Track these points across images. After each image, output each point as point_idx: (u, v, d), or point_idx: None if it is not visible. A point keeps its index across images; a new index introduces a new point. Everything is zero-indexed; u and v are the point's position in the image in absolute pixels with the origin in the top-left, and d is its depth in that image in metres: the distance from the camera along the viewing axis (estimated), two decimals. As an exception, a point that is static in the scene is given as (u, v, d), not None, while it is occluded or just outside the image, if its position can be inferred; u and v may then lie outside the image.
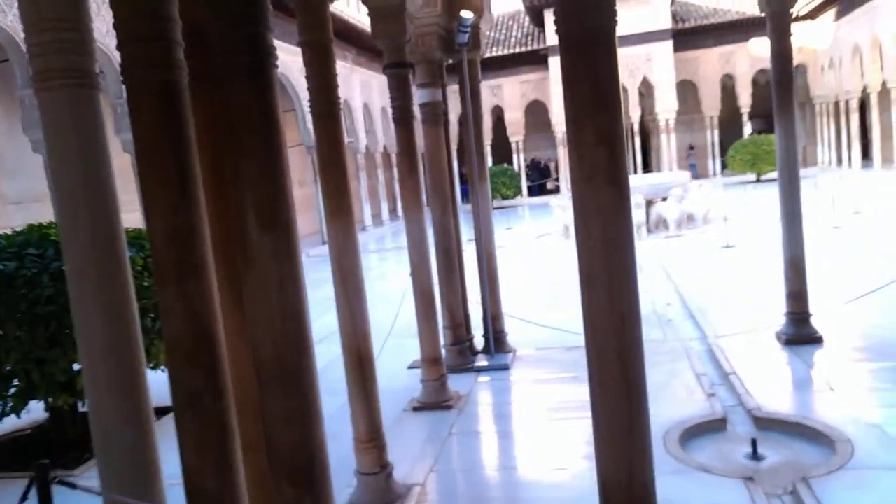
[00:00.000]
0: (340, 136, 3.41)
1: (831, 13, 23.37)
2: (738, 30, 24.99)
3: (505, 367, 5.79)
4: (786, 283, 5.52)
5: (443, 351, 5.55)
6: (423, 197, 5.07)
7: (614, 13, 1.88)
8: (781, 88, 5.21)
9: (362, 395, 3.67)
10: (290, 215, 1.99)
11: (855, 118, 22.57)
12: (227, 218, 2.06)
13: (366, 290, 3.65)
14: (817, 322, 5.58)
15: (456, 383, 5.40)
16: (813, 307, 5.55)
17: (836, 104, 24.02)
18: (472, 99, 5.78)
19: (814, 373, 4.85)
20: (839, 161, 24.23)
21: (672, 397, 4.69)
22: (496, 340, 6.00)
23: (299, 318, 1.92)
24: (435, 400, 5.02)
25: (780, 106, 5.23)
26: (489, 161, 27.52)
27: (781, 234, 5.50)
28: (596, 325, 1.96)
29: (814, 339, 5.38)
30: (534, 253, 13.34)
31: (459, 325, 5.79)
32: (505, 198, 25.79)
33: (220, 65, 1.89)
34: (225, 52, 1.88)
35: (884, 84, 20.03)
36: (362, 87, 21.37)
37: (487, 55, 26.77)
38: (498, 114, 27.90)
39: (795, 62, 25.53)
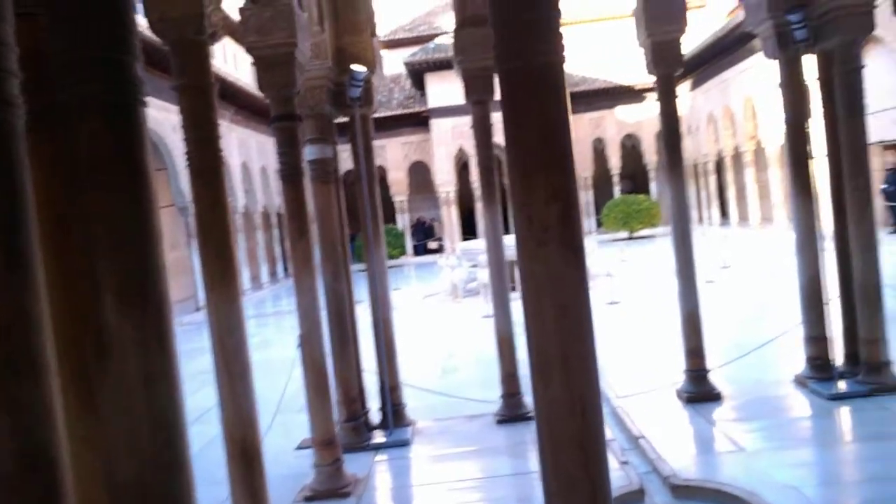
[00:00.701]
0: (223, 192, 2.97)
1: (688, 84, 25.51)
2: (605, 97, 26.69)
3: (405, 443, 5.34)
4: (684, 339, 5.52)
5: (336, 428, 5.04)
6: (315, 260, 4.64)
7: (562, 47, 1.64)
8: (670, 146, 5.31)
9: (248, 493, 3.13)
10: (162, 291, 1.54)
11: (712, 180, 24.48)
12: (75, 295, 1.58)
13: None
14: (713, 378, 5.61)
15: (352, 464, 4.89)
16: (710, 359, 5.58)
17: (695, 167, 25.98)
18: (365, 157, 5.47)
19: (720, 432, 4.79)
20: (700, 220, 26.05)
21: (585, 467, 4.44)
22: (395, 413, 5.56)
23: (173, 428, 1.46)
24: (330, 487, 4.48)
25: (670, 162, 5.32)
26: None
27: (677, 290, 5.53)
28: (551, 415, 1.65)
29: (713, 396, 5.38)
30: (423, 314, 13.04)
31: (354, 399, 5.31)
32: (390, 258, 25.50)
33: (67, 99, 1.46)
34: (74, 82, 1.45)
35: (736, 149, 21.90)
36: (240, 146, 20.62)
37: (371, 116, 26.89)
38: (381, 174, 27.86)
39: (655, 129, 27.69)
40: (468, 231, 27.10)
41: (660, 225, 25.62)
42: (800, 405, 5.13)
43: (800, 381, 5.49)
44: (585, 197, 27.42)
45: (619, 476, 4.18)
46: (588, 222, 27.60)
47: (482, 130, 5.49)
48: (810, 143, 5.33)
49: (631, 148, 27.71)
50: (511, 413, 5.52)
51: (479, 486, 4.46)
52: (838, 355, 5.44)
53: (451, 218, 26.31)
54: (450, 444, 5.31)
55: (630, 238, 24.28)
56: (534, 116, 1.63)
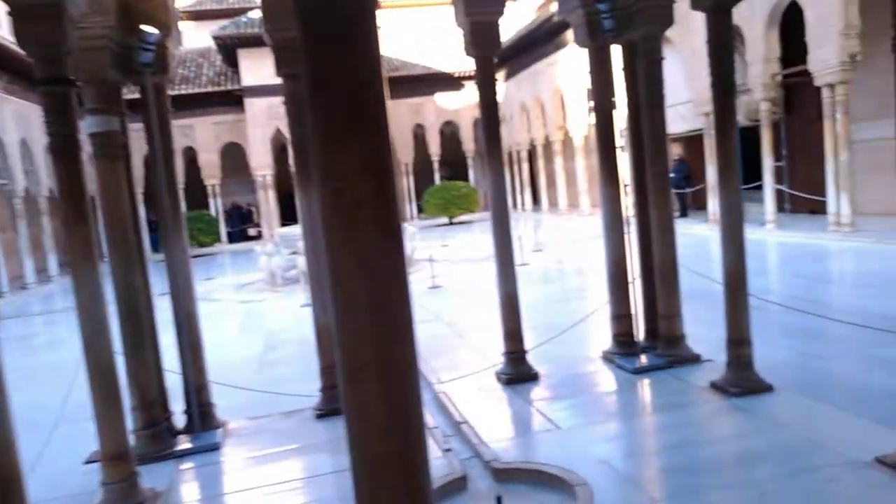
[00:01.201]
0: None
1: (502, 74, 26.53)
2: (424, 84, 26.98)
3: (214, 447, 4.85)
4: (502, 322, 5.58)
5: (132, 438, 4.45)
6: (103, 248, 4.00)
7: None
8: (489, 130, 5.31)
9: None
10: None
11: (525, 167, 25.76)
12: None
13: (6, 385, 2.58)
14: (530, 359, 5.74)
15: (151, 477, 4.33)
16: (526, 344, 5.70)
17: (509, 154, 27.18)
18: (161, 131, 4.85)
19: (537, 411, 4.88)
20: (514, 205, 27.35)
21: (408, 458, 4.30)
22: (201, 415, 5.04)
23: None
24: (122, 507, 3.92)
25: (489, 146, 5.32)
26: (183, 206, 25.31)
27: (496, 273, 5.56)
28: (366, 427, 1.41)
29: (531, 377, 5.50)
30: (239, 304, 12.27)
31: (152, 403, 4.72)
32: (203, 245, 23.92)
33: None
34: None
35: (546, 138, 23.20)
36: (18, 120, 18.06)
37: (176, 92, 24.85)
38: (191, 155, 25.96)
39: (475, 116, 28.54)
40: (288, 217, 26.12)
41: (477, 210, 26.54)
42: (607, 380, 5.40)
43: (607, 357, 5.79)
44: (406, 183, 27.63)
45: (441, 464, 4.08)
46: (409, 208, 27.85)
47: (295, 106, 5.10)
48: (617, 132, 5.61)
49: (450, 135, 28.33)
50: (331, 406, 5.23)
51: (298, 488, 4.15)
52: (641, 331, 5.81)
53: (269, 203, 25.18)
54: (265, 444, 4.92)
55: (450, 223, 24.87)
56: (342, 73, 1.37)
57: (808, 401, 4.45)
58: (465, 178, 27.45)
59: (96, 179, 4.53)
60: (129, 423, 4.59)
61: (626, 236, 5.69)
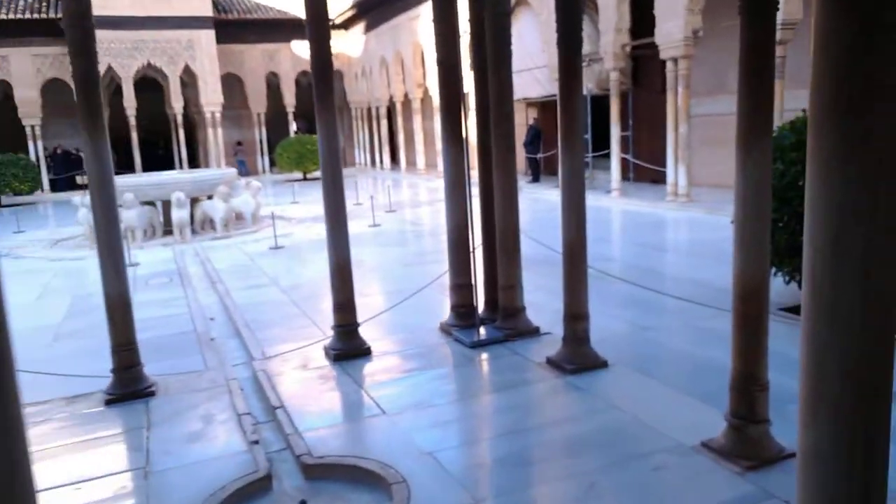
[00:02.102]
0: None
1: (362, 26, 25.44)
2: (280, 29, 25.33)
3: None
4: (333, 292, 5.06)
5: None
6: None
7: None
8: (320, 81, 4.67)
9: None
10: None
11: (384, 124, 25.08)
12: None
13: None
14: (366, 331, 5.29)
15: None
16: (359, 315, 5.22)
17: (369, 110, 26.35)
18: None
19: (365, 393, 4.45)
20: (373, 163, 26.68)
21: (206, 453, 3.71)
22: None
23: None
24: None
25: (320, 98, 4.69)
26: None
27: (326, 238, 5.01)
28: None
29: (363, 352, 5.05)
30: (48, 263, 10.80)
31: None
32: (18, 193, 21.20)
33: None
34: None
35: (406, 95, 22.60)
36: None
37: (-16, 16, 21.53)
38: (6, 91, 22.76)
39: (334, 68, 27.31)
40: (126, 165, 23.74)
41: (334, 167, 25.58)
42: (443, 356, 5.07)
43: (445, 330, 5.46)
44: (258, 134, 26.05)
45: (245, 461, 3.54)
46: (261, 161, 26.34)
47: (80, 30, 4.18)
48: (462, 88, 5.18)
49: (307, 86, 26.92)
50: (126, 390, 4.49)
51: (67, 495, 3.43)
52: (481, 303, 5.52)
53: (99, 149, 22.65)
54: (39, 437, 4.10)
55: (304, 179, 23.75)
56: None
57: (640, 377, 4.35)
58: (322, 133, 26.30)
59: None
60: None
61: (470, 200, 5.33)
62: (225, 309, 7.11)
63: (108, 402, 4.44)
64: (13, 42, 22.18)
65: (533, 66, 15.67)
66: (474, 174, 5.12)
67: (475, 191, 5.34)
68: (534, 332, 5.23)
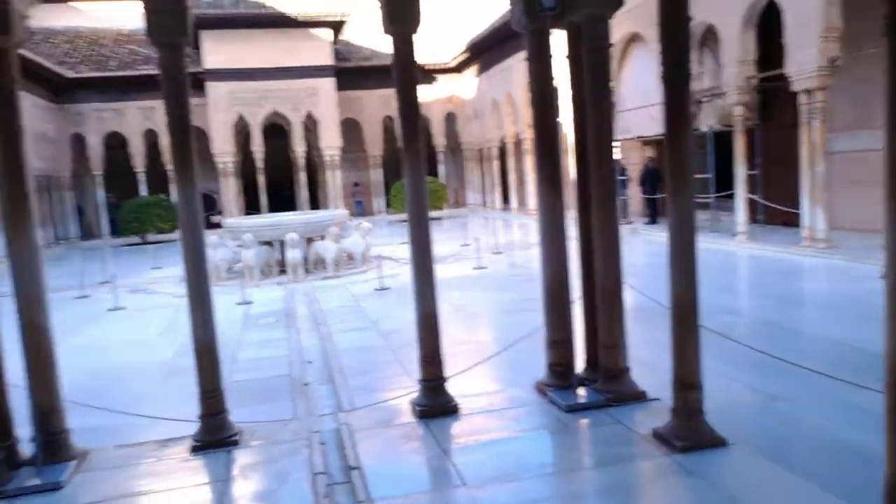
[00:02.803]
0: None
1: (475, 68, 25.74)
2: (397, 75, 26.09)
3: (56, 486, 4.02)
4: (419, 343, 4.81)
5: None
6: None
7: None
8: (407, 120, 4.53)
9: None
10: None
11: (496, 165, 25.03)
12: None
13: None
14: (456, 385, 4.99)
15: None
16: (449, 370, 4.93)
17: (481, 151, 26.45)
18: (5, 101, 4.00)
19: (447, 458, 4.11)
20: (484, 203, 26.64)
21: (276, 518, 3.52)
22: (50, 445, 4.20)
23: None
24: None
25: (407, 139, 4.55)
26: (144, 190, 24.29)
27: (413, 286, 4.79)
28: None
29: (449, 410, 4.73)
30: (174, 299, 11.37)
31: (-20, 433, 3.88)
32: (161, 232, 22.90)
33: None
34: None
35: (517, 136, 22.47)
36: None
37: (136, 73, 23.75)
38: (152, 139, 24.87)
39: (447, 110, 27.77)
40: (254, 206, 25.16)
41: (445, 207, 25.79)
42: (537, 420, 4.63)
43: (540, 389, 5.04)
44: (375, 176, 26.79)
45: (311, 531, 3.31)
46: (377, 202, 27.02)
47: (172, 82, 4.28)
48: (560, 127, 4.86)
49: (421, 129, 27.47)
50: (211, 437, 4.43)
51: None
52: (580, 360, 5.08)
53: (229, 190, 24.17)
54: (124, 482, 4.09)
55: (417, 219, 24.03)
56: None
57: (766, 463, 3.67)
58: (435, 174, 26.67)
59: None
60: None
61: (566, 248, 4.94)
62: (324, 352, 7.06)
63: (194, 449, 4.40)
64: (159, 95, 24.27)
65: (648, 104, 15.04)
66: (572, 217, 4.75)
67: (573, 234, 4.95)
68: (639, 396, 4.70)
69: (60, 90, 23.77)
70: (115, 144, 25.01)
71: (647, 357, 5.37)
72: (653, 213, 16.59)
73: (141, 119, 24.28)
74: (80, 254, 21.08)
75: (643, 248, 13.29)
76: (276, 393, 5.79)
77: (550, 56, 4.63)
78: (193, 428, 4.53)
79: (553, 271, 4.87)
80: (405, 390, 5.26)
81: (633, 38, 15.19)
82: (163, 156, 24.38)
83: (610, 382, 4.71)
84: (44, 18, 27.17)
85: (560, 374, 4.93)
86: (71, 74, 23.57)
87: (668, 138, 3.88)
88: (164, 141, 24.39)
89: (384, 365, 6.48)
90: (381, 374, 6.22)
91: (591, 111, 4.43)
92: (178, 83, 4.32)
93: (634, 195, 17.88)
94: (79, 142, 24.82)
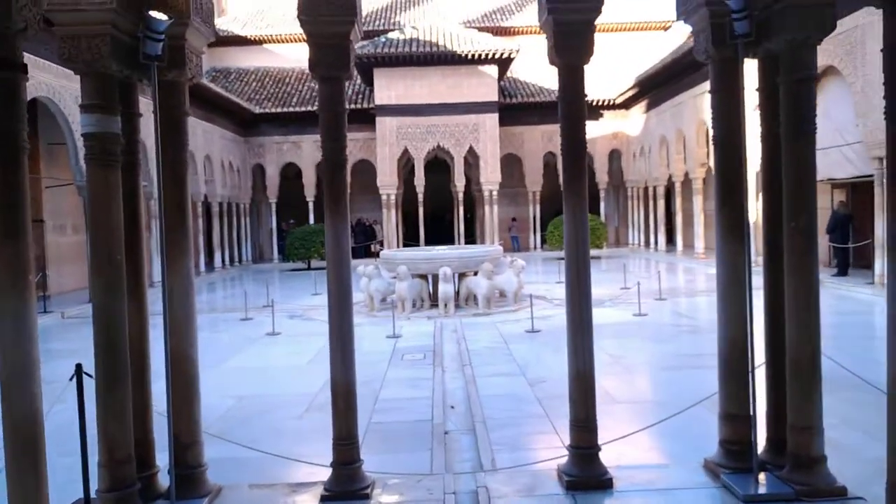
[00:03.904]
0: None
1: (643, 104, 24.74)
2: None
3: (189, 524, 3.99)
4: (571, 405, 4.31)
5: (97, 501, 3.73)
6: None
7: None
8: (571, 157, 4.14)
9: None
10: None
11: (661, 204, 23.71)
12: None
13: None
14: (611, 452, 4.42)
15: (101, 555, 3.54)
16: (604, 433, 4.37)
17: (646, 189, 25.23)
18: (170, 138, 4.12)
19: (597, 544, 3.57)
20: (647, 244, 25.30)
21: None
22: (187, 479, 4.19)
23: None
24: None
25: (569, 177, 4.17)
26: (313, 219, 25.79)
27: (567, 341, 4.31)
28: None
29: (602, 484, 4.16)
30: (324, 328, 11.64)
31: (124, 461, 3.90)
32: (324, 259, 24.04)
33: None
34: None
35: (686, 175, 21.14)
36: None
37: (315, 109, 25.41)
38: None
39: (612, 147, 26.89)
40: (413, 238, 25.82)
41: (605, 246, 24.79)
42: (706, 507, 3.95)
43: (711, 469, 4.32)
44: (532, 211, 26.47)
45: None
46: (533, 238, 26.63)
47: (330, 114, 4.21)
48: (745, 171, 4.20)
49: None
50: (342, 488, 4.21)
51: None
52: (761, 437, 4.30)
53: (390, 221, 24.96)
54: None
55: (574, 258, 23.29)
56: None
57: None
58: (596, 212, 25.80)
59: (88, 188, 3.88)
60: (95, 482, 3.89)
61: (750, 307, 4.22)
62: (468, 398, 6.73)
63: (324, 499, 4.19)
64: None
65: (842, 143, 13.42)
66: (756, 272, 4.05)
67: (756, 291, 4.22)
68: (837, 493, 3.85)
69: (247, 124, 26.03)
70: (291, 175, 26.85)
71: (844, 441, 4.49)
72: (842, 264, 14.69)
73: (315, 151, 25.84)
74: (252, 276, 22.68)
75: (833, 304, 11.70)
76: (414, 440, 5.52)
77: (741, 88, 4.01)
78: (326, 472, 4.35)
79: (732, 335, 4.18)
80: (552, 451, 4.77)
81: (826, 72, 13.68)
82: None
83: (800, 471, 3.90)
84: (240, 59, 30.09)
85: (736, 454, 4.19)
86: (257, 110, 25.73)
87: (891, 181, 3.14)
88: (334, 172, 25.85)
89: (531, 418, 6.01)
90: (527, 428, 5.76)
91: (791, 151, 3.75)
92: (337, 116, 4.24)
93: (822, 244, 15.98)
94: (259, 171, 26.95)
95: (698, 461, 4.50)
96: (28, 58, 10.99)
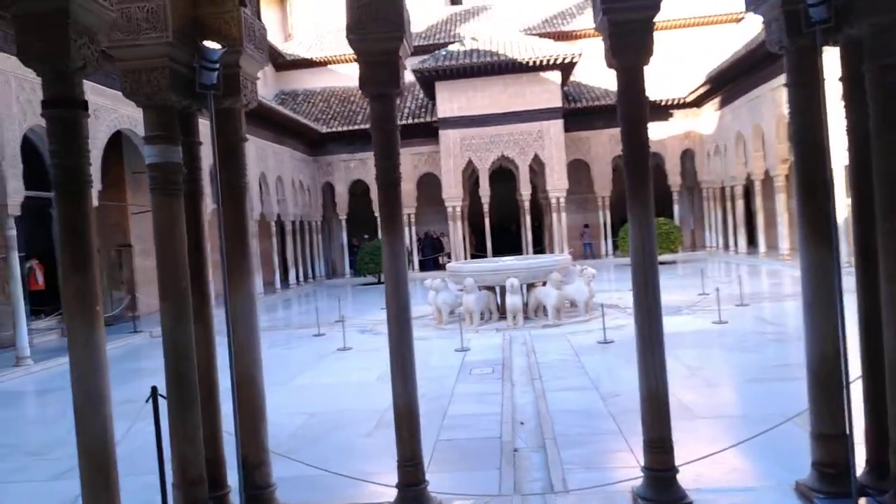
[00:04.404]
0: None
1: (716, 101, 23.84)
2: (628, 113, 25.11)
3: (263, 546, 3.99)
4: (643, 426, 4.08)
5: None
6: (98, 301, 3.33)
7: None
8: (633, 162, 3.93)
9: None
10: None
11: (740, 204, 22.73)
12: None
13: None
14: (689, 474, 4.15)
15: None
16: (682, 452, 4.12)
17: (723, 189, 24.27)
18: (228, 163, 4.17)
19: (677, 576, 3.33)
20: (726, 246, 24.30)
21: None
22: (254, 499, 4.20)
23: None
24: None
25: (633, 185, 3.95)
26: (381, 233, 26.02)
27: (637, 357, 4.09)
28: None
29: (681, 509, 3.91)
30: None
31: (196, 481, 3.95)
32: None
33: None
34: None
35: (766, 172, 20.19)
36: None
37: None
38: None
39: (684, 147, 26.02)
40: (481, 248, 25.73)
41: (680, 251, 23.95)
42: (799, 535, 3.64)
43: (803, 493, 3.99)
44: (603, 217, 25.90)
45: None
46: (605, 244, 26.05)
47: (382, 132, 4.16)
48: (830, 168, 3.89)
49: (655, 168, 25.99)
50: (404, 512, 4.12)
51: None
52: (860, 459, 3.95)
53: (457, 233, 24.93)
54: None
55: (647, 263, 22.60)
56: None
57: None
58: (670, 215, 25.00)
59: (154, 216, 3.96)
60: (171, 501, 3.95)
61: (841, 317, 3.88)
62: (538, 413, 6.54)
63: (387, 523, 4.11)
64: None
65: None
66: (848, 280, 3.72)
67: (848, 294, 3.89)
68: (952, 521, 3.48)
69: (315, 144, 26.63)
70: (359, 192, 27.26)
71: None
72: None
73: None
74: (325, 291, 23.10)
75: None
76: (483, 458, 5.38)
77: (821, 78, 3.71)
78: (391, 493, 4.27)
79: (821, 348, 3.85)
80: (627, 471, 4.54)
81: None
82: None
83: (907, 499, 3.54)
84: (307, 81, 30.88)
85: (832, 477, 3.85)
86: (324, 129, 26.28)
87: None
88: (402, 186, 26.07)
89: (603, 435, 5.76)
90: (600, 446, 5.52)
91: (882, 147, 3.43)
92: (389, 134, 4.19)
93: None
94: (329, 189, 27.51)
95: (789, 484, 4.17)
96: (110, 92, 11.50)
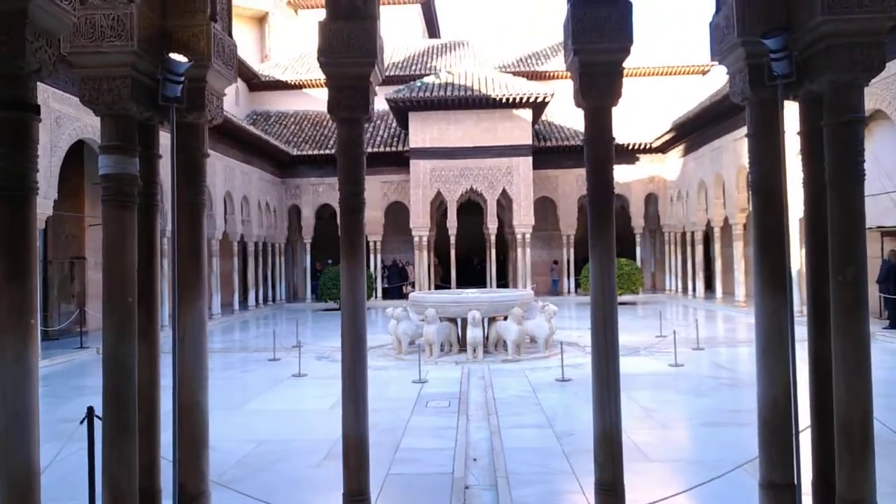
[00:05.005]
0: None
1: (681, 148, 24.44)
2: (596, 154, 25.56)
3: (193, 580, 3.79)
4: (596, 466, 4.03)
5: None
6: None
7: None
8: (598, 203, 3.93)
9: None
10: None
11: (700, 249, 23.18)
12: None
13: None
14: (638, 520, 4.11)
15: None
16: (634, 494, 4.07)
17: (683, 234, 24.74)
18: (187, 180, 4.06)
19: None
20: (685, 290, 24.68)
21: None
22: (191, 532, 4.01)
23: None
24: None
25: (596, 224, 3.93)
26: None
27: (592, 401, 4.05)
28: None
29: (629, 554, 3.85)
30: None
31: (128, 509, 3.76)
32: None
33: None
34: None
35: (726, 220, 20.67)
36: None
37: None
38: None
39: (648, 191, 26.53)
40: (445, 279, 25.69)
41: (640, 291, 24.24)
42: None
43: (751, 543, 3.97)
44: (567, 255, 26.14)
45: None
46: (567, 282, 26.24)
47: (348, 157, 4.11)
48: (787, 220, 3.96)
49: (619, 209, 26.49)
50: (352, 547, 3.98)
51: None
52: (807, 510, 3.95)
53: (422, 263, 24.87)
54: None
55: (609, 303, 22.79)
56: None
57: None
58: (632, 256, 25.35)
59: (103, 228, 3.82)
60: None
61: (791, 366, 3.92)
62: (491, 450, 6.44)
63: (332, 558, 3.96)
64: (368, 171, 26.00)
65: (893, 189, 12.95)
66: (800, 329, 3.76)
67: (800, 348, 3.93)
68: (895, 577, 3.48)
69: (284, 166, 26.44)
70: (326, 216, 27.08)
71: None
72: (894, 316, 14.02)
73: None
74: (285, 315, 22.71)
75: (883, 359, 11.11)
76: (433, 494, 5.25)
77: (781, 131, 3.80)
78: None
79: (773, 395, 3.87)
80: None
81: (873, 116, 13.29)
82: (367, 227, 25.90)
83: (853, 553, 3.54)
84: (280, 103, 30.80)
85: (779, 528, 3.84)
86: (295, 152, 26.14)
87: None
88: (369, 214, 25.98)
89: (556, 475, 5.69)
90: (552, 486, 5.45)
91: (836, 198, 3.51)
92: (355, 159, 4.14)
93: (872, 293, 15.32)
94: (295, 212, 27.27)
95: (738, 532, 4.15)
96: (75, 101, 11.21)
